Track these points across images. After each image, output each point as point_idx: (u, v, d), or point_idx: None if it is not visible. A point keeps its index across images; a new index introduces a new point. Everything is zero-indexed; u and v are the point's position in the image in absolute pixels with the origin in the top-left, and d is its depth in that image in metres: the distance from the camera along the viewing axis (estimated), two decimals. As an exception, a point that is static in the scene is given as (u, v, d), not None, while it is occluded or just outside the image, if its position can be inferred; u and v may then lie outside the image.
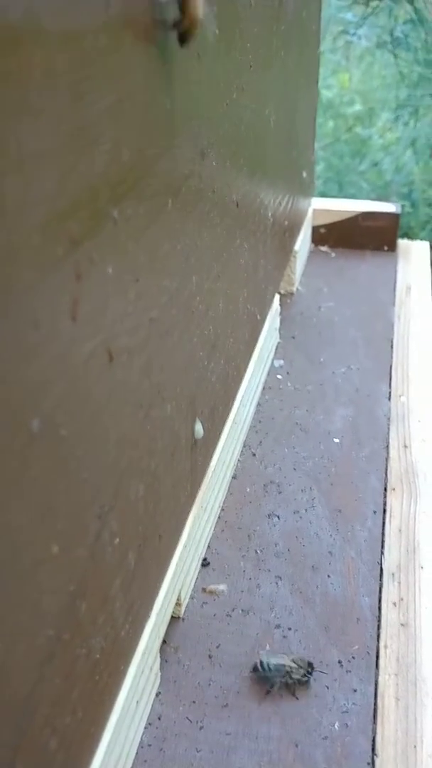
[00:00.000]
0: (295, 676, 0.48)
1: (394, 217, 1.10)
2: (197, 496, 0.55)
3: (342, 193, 2.44)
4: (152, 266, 0.39)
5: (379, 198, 2.43)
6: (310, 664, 0.49)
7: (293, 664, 0.48)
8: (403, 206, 2.41)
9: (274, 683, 0.48)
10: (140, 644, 0.44)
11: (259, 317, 0.74)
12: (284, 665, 0.48)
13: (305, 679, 0.48)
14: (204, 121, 0.46)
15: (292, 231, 0.92)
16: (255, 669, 0.49)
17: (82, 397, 0.32)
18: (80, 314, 0.31)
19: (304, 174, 0.98)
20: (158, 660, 0.48)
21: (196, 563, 0.57)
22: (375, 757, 0.45)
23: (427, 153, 2.41)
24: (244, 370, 0.69)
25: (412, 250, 1.13)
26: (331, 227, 1.11)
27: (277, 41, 0.68)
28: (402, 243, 1.14)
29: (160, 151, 0.38)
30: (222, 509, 0.64)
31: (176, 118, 0.40)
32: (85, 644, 0.36)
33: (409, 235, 2.27)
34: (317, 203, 1.11)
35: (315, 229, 1.12)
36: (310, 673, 0.48)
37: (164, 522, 0.47)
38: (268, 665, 0.48)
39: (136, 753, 0.45)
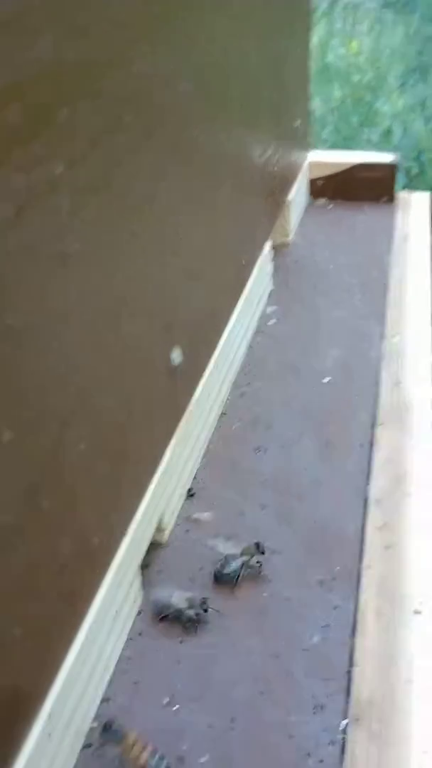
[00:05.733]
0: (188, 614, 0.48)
1: (391, 167, 1.08)
2: (179, 423, 0.56)
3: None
4: (111, 175, 0.39)
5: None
6: (203, 601, 0.48)
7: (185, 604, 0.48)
8: (410, 168, 2.38)
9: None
10: (116, 558, 0.45)
11: (247, 259, 0.74)
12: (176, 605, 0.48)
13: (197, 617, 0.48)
14: (169, 40, 0.46)
15: (285, 179, 0.92)
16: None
17: (32, 291, 0.32)
18: (26, 208, 0.31)
19: (297, 123, 0.97)
20: (139, 578, 0.49)
21: (181, 492, 0.57)
22: (353, 667, 0.46)
23: (436, 115, 2.37)
24: (230, 309, 0.69)
25: (411, 201, 1.11)
26: (328, 179, 1.10)
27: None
28: (401, 194, 1.13)
29: (116, 58, 0.38)
30: (210, 444, 0.64)
31: (135, 29, 0.40)
32: (51, 542, 0.37)
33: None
34: (313, 156, 1.10)
35: (312, 182, 1.11)
36: (206, 611, 0.48)
37: (140, 441, 0.48)
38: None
39: (116, 664, 0.46)
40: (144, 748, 0.40)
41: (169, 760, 0.40)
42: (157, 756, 0.40)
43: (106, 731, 0.41)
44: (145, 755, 0.40)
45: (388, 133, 2.60)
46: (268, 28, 0.76)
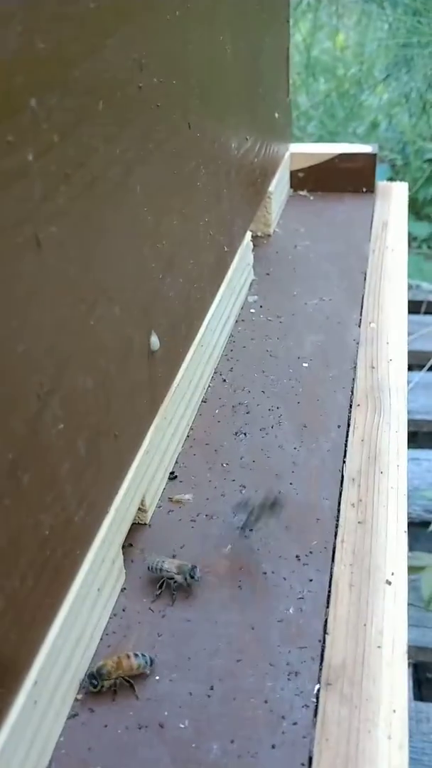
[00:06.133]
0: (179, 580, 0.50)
1: (371, 158, 1.10)
2: (160, 407, 0.57)
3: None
4: (84, 163, 0.41)
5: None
6: (193, 568, 0.51)
7: (175, 570, 0.50)
8: (394, 160, 2.40)
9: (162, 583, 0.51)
10: (98, 535, 0.47)
11: (226, 248, 0.75)
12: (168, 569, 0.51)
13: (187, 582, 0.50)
14: (140, 31, 0.47)
15: (265, 170, 0.93)
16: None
17: (6, 271, 0.34)
18: None
19: (276, 115, 0.99)
20: (121, 556, 0.51)
21: (162, 474, 0.59)
22: (326, 635, 0.48)
23: (420, 107, 2.39)
24: (210, 296, 0.70)
25: (391, 191, 1.13)
26: (309, 171, 1.12)
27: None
28: (381, 184, 1.15)
29: (86, 49, 0.40)
30: (191, 429, 0.66)
31: (104, 20, 0.42)
32: (32, 516, 0.38)
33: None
34: (294, 147, 1.12)
35: (293, 174, 1.12)
36: (192, 576, 0.50)
37: (120, 423, 0.49)
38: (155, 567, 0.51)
39: (101, 639, 0.48)
40: (127, 657, 0.45)
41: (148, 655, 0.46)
42: (139, 655, 0.45)
43: (92, 679, 0.45)
44: (131, 660, 0.45)
45: (373, 126, 2.62)
46: (244, 19, 0.77)
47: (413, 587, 1.26)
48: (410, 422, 1.80)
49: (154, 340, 0.54)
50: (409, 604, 1.26)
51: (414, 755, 1.06)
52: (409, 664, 1.20)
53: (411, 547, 1.41)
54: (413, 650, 1.21)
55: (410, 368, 1.87)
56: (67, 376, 0.41)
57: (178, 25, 0.55)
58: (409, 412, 1.85)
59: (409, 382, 1.77)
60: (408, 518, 1.57)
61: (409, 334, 2.03)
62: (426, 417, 1.67)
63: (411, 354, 1.94)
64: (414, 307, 2.06)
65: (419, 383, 1.77)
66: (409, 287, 2.12)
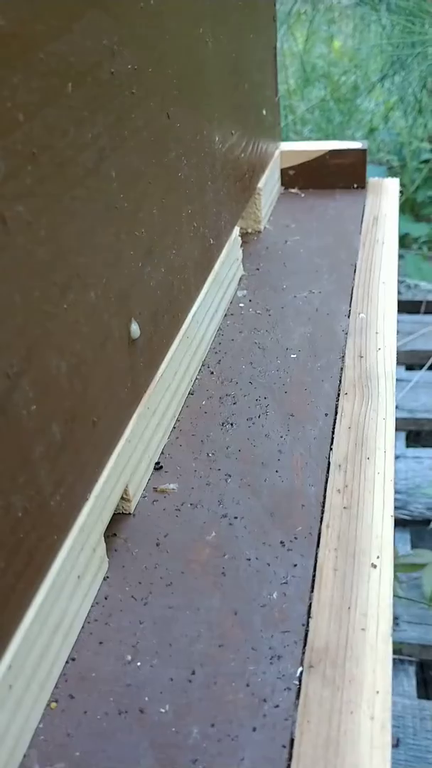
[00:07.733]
0: None
1: (361, 153, 1.10)
2: (142, 396, 0.57)
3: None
4: (53, 144, 0.41)
5: (370, 157, 2.43)
6: None
7: None
8: (391, 161, 2.40)
9: None
10: (77, 521, 0.46)
11: (212, 241, 0.75)
12: None
13: None
14: (110, 17, 0.48)
15: (253, 167, 0.93)
16: None
17: (-29, 249, 0.34)
18: (-40, 166, 0.33)
19: (264, 112, 0.99)
20: (103, 545, 0.51)
21: (147, 464, 0.59)
22: (310, 619, 0.47)
23: (416, 108, 2.40)
24: (196, 289, 0.70)
25: (382, 187, 1.13)
26: (300, 168, 1.12)
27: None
28: (372, 180, 1.15)
29: (51, 31, 0.40)
30: (178, 420, 0.66)
31: (69, 3, 0.42)
32: (3, 497, 0.38)
33: (401, 193, 2.27)
34: (284, 145, 1.12)
35: (284, 172, 1.13)
36: None
37: (99, 409, 0.49)
38: None
39: (83, 626, 0.48)
40: None
41: None
42: None
43: None
44: None
45: (371, 131, 2.63)
46: (226, 14, 0.77)
47: (416, 585, 1.25)
48: (411, 421, 1.80)
49: (134, 328, 0.54)
50: (411, 601, 1.24)
51: (419, 753, 1.05)
52: (412, 662, 1.19)
53: (413, 545, 1.40)
54: (417, 648, 1.20)
55: (411, 367, 1.87)
56: (39, 359, 0.41)
57: (153, 15, 0.55)
58: (410, 411, 1.84)
59: (409, 381, 1.76)
60: (410, 516, 1.57)
61: (409, 333, 2.03)
62: (427, 416, 1.66)
63: (411, 353, 1.94)
64: (413, 307, 2.06)
65: (419, 382, 1.76)
66: (408, 287, 2.12)
